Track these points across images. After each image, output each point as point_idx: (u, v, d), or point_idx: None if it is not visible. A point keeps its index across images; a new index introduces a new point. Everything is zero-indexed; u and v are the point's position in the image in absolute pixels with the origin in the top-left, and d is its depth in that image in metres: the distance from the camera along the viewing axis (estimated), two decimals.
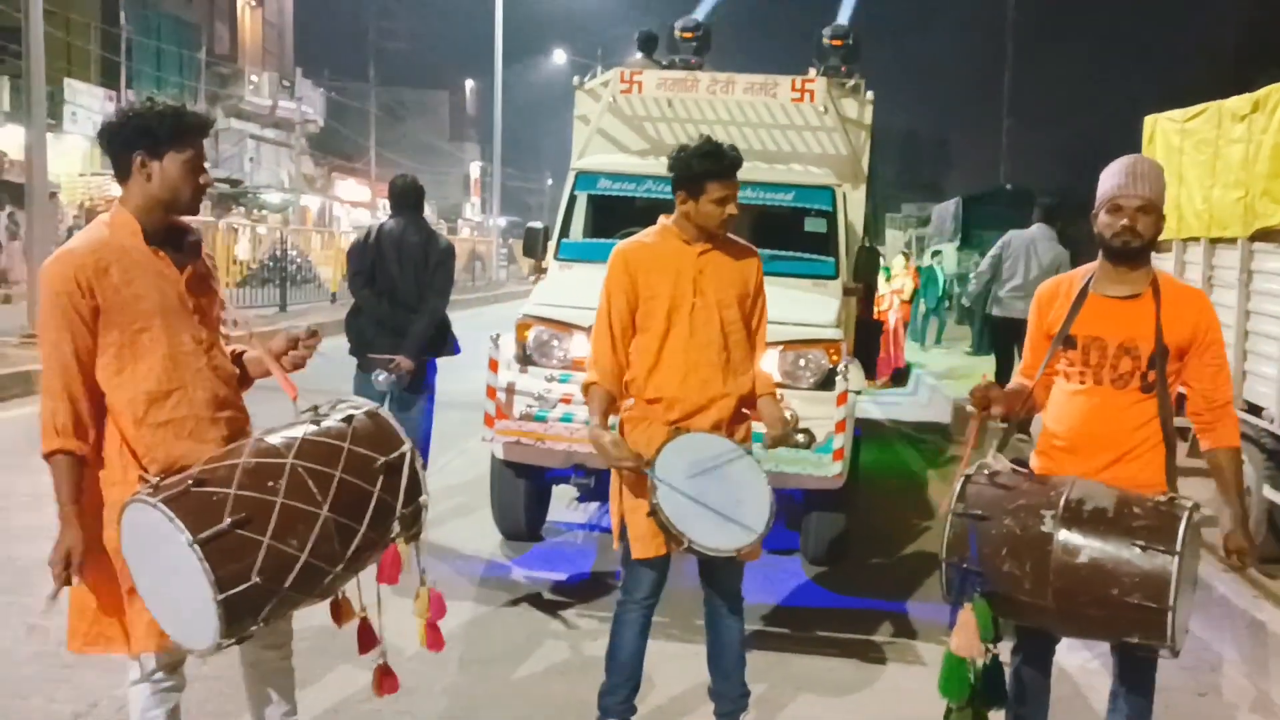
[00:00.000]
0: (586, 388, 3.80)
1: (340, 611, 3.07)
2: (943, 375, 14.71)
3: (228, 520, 2.60)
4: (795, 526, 6.20)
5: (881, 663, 4.89)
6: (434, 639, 3.16)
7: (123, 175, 2.92)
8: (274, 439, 2.82)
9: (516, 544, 6.32)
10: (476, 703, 4.26)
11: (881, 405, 12.84)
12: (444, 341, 6.37)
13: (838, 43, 7.97)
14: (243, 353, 3.21)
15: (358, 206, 47.43)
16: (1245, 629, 5.03)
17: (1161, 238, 3.48)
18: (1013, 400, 3.48)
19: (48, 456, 2.84)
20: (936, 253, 23.17)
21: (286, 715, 3.29)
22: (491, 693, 4.36)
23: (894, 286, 15.59)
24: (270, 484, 2.69)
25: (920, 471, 9.35)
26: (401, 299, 6.23)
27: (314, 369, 3.24)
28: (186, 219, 3.08)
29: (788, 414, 5.32)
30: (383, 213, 51.34)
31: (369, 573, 2.96)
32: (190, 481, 2.69)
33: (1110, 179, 3.30)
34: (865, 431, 8.64)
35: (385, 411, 3.03)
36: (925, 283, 19.17)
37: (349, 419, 2.91)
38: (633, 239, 3.91)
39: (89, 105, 29.78)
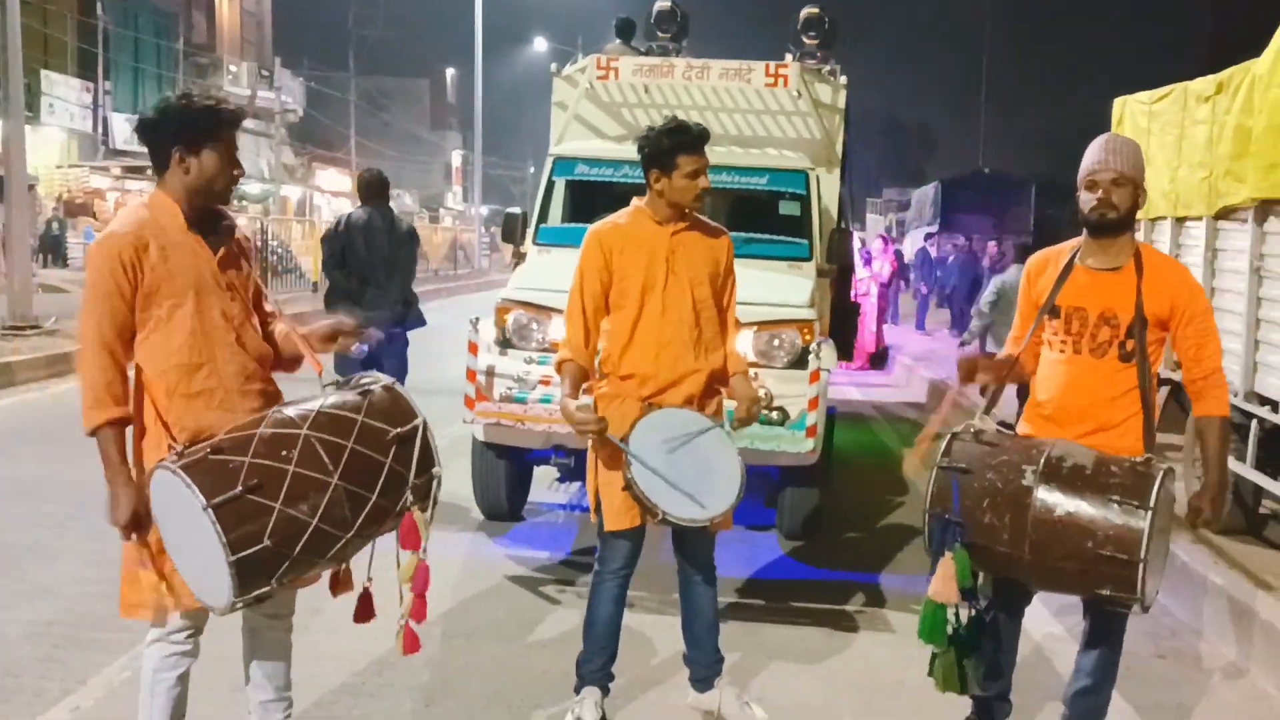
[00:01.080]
0: (559, 365, 3.91)
1: (338, 582, 3.19)
2: (920, 357, 14.86)
3: (240, 486, 2.74)
4: (771, 503, 6.32)
5: (853, 631, 5.02)
6: (418, 609, 3.26)
7: (160, 167, 3.08)
8: (291, 411, 2.96)
9: (498, 524, 6.42)
10: (457, 674, 4.37)
11: (860, 387, 12.99)
12: (410, 314, 7.18)
13: (813, 21, 8.05)
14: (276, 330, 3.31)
15: (338, 196, 47.23)
16: (1205, 595, 5.18)
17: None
18: (1000, 369, 3.63)
19: (93, 432, 2.96)
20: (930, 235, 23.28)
21: (280, 689, 3.40)
22: (472, 665, 4.47)
23: (873, 271, 15.71)
24: (284, 453, 2.82)
25: (896, 450, 9.49)
26: (370, 278, 7.00)
27: None
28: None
29: (762, 392, 5.45)
30: None
31: (374, 546, 3.07)
32: (209, 449, 2.85)
33: (1087, 157, 3.45)
34: (842, 412, 8.78)
35: (402, 387, 3.15)
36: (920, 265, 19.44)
37: (366, 393, 3.04)
38: (606, 220, 4.01)
39: (66, 97, 29.61)
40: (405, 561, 3.14)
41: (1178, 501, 3.42)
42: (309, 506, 2.80)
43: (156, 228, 3.04)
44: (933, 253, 23.32)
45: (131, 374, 3.09)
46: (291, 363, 3.29)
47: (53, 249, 27.31)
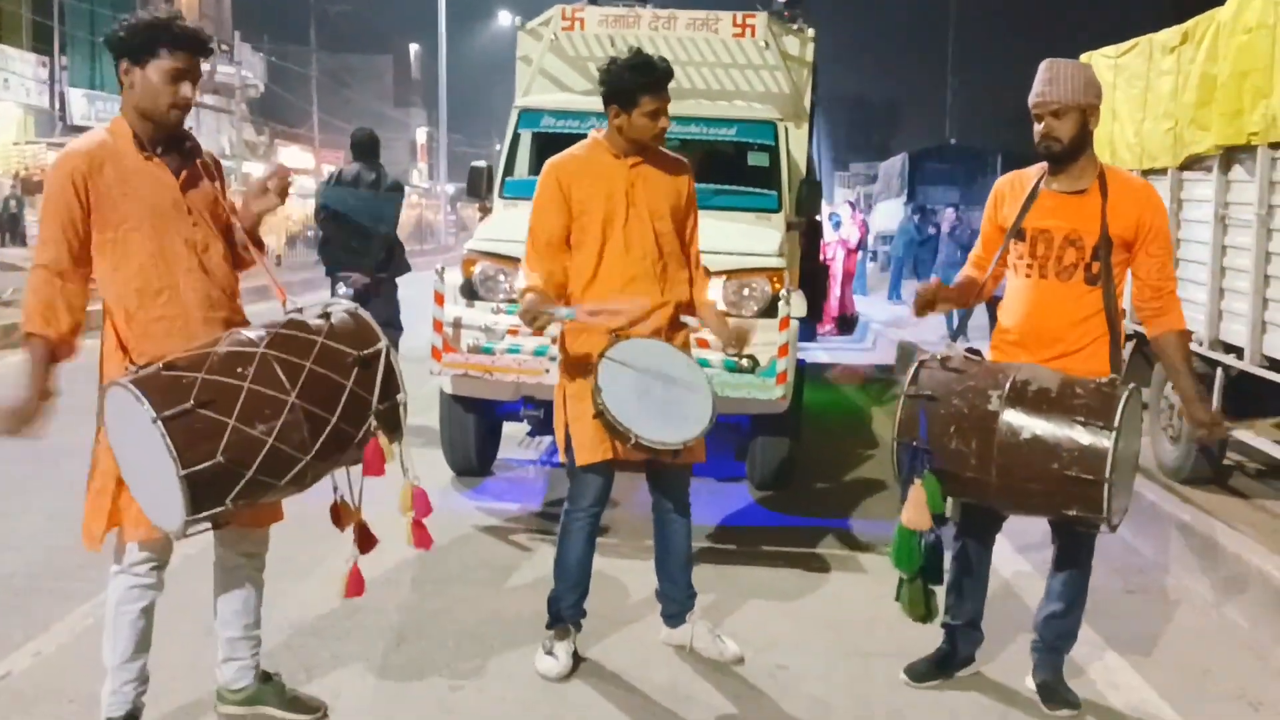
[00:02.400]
0: (524, 292, 3.82)
1: (340, 515, 3.15)
2: (890, 323, 14.92)
3: (191, 401, 2.69)
4: (741, 456, 6.32)
5: (825, 571, 5.03)
6: (420, 536, 3.24)
7: (121, 85, 3.02)
8: (250, 333, 2.92)
9: (468, 479, 6.37)
10: (428, 617, 4.33)
11: (829, 350, 13.02)
12: (395, 261, 7.85)
13: None
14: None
15: (301, 174, 46.73)
16: (1173, 533, 5.23)
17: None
18: (963, 292, 3.62)
19: (25, 338, 2.96)
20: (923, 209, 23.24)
21: (249, 627, 3.37)
22: (443, 608, 4.43)
23: (841, 235, 15.74)
24: (239, 370, 2.78)
25: (865, 408, 9.53)
26: (357, 227, 7.64)
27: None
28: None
29: (738, 331, 5.43)
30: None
31: (357, 477, 3.03)
32: (161, 366, 2.79)
33: (1033, 89, 3.43)
34: (811, 374, 8.79)
35: (365, 312, 3.09)
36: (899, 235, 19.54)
37: (327, 316, 2.99)
38: (564, 153, 3.95)
39: (22, 72, 29.02)
40: (402, 488, 3.11)
41: (1143, 455, 3.44)
42: (265, 426, 2.75)
43: (113, 151, 2.99)
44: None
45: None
46: (242, 262, 3.24)
47: (10, 227, 26.85)
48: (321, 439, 2.83)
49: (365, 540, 3.19)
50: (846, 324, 14.32)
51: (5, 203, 27.17)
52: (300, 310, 3.03)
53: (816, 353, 12.27)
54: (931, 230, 17.42)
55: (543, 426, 6.37)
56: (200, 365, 2.77)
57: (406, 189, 9.62)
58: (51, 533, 5.16)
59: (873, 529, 5.58)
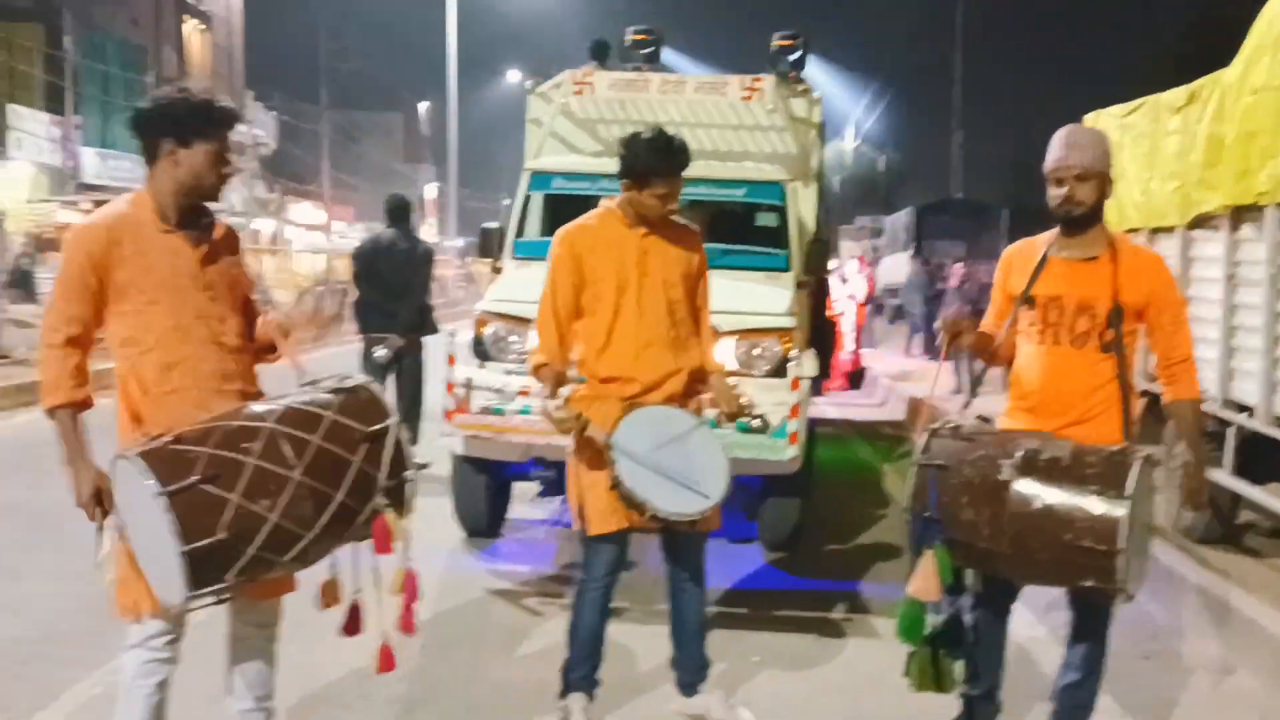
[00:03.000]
0: (536, 369, 3.86)
1: (327, 594, 3.11)
2: (898, 377, 14.89)
3: (196, 475, 2.68)
4: (753, 516, 6.28)
5: (839, 636, 4.98)
6: (407, 621, 3.19)
7: (150, 159, 3.04)
8: (260, 407, 2.91)
9: (478, 540, 6.34)
10: (437, 685, 4.28)
11: (838, 406, 12.98)
12: (425, 324, 8.24)
13: (788, 42, 8.10)
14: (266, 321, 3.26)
15: (312, 230, 47.09)
16: (1188, 596, 5.17)
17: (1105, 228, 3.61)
18: (982, 340, 3.60)
19: (50, 412, 2.94)
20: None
21: (261, 699, 3.32)
22: (453, 675, 4.39)
23: (849, 290, 15.75)
24: (245, 445, 2.76)
25: (875, 465, 9.48)
26: (391, 291, 8.04)
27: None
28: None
29: (743, 400, 5.42)
30: (336, 236, 50.78)
31: (361, 557, 3.00)
32: (170, 439, 2.79)
33: (1050, 152, 3.45)
34: (822, 430, 8.77)
35: (377, 386, 3.09)
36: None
37: (338, 391, 2.98)
38: (575, 222, 3.99)
39: (35, 131, 29.37)
40: (395, 571, 3.07)
41: (1158, 495, 3.42)
42: (269, 501, 2.73)
43: (134, 223, 3.01)
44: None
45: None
46: (265, 351, 3.23)
47: (22, 284, 27.00)
48: (326, 516, 2.80)
49: (351, 625, 3.14)
50: (856, 379, 14.28)
51: (18, 260, 27.33)
52: (314, 382, 3.03)
53: (826, 409, 12.25)
54: (940, 285, 17.30)
55: (553, 487, 6.36)
56: (206, 439, 2.77)
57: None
58: (55, 596, 5.14)
59: (885, 592, 5.51)
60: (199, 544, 2.64)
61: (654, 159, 3.76)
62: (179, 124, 3.00)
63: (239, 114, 3.16)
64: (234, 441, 2.77)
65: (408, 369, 8.13)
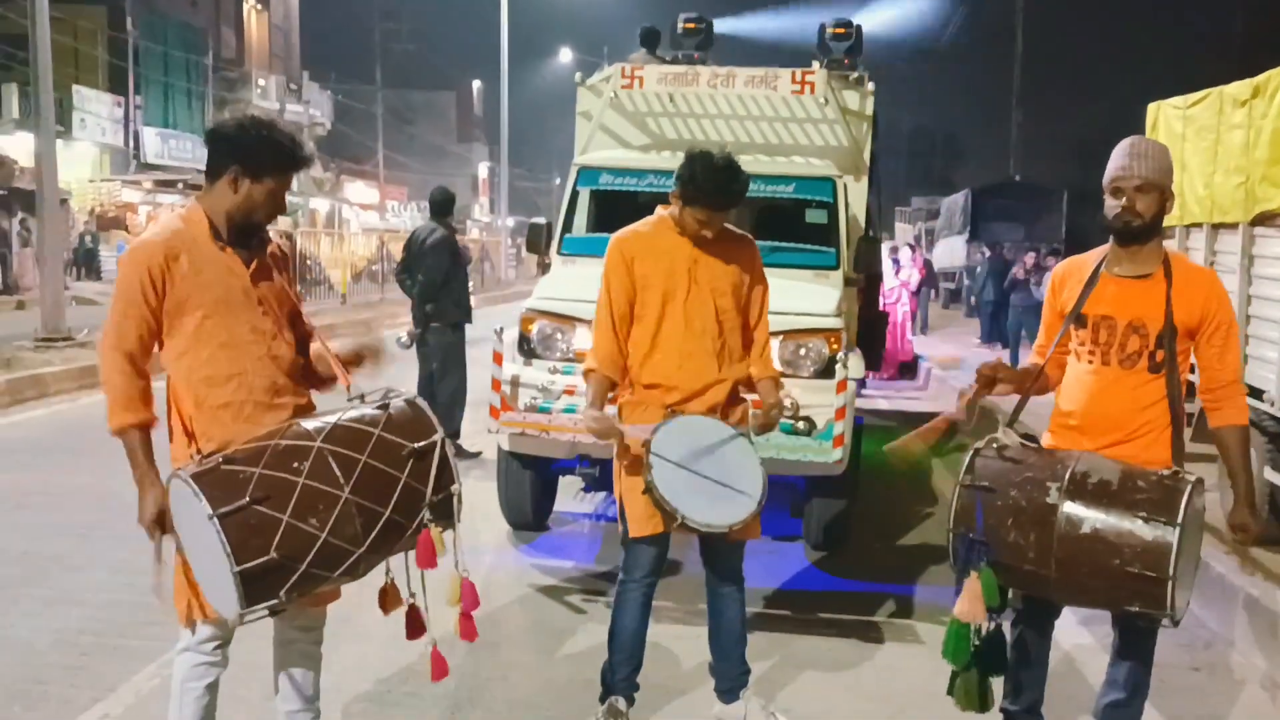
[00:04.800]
0: (586, 374, 3.89)
1: (387, 600, 3.17)
2: (949, 366, 14.74)
3: (248, 497, 2.73)
4: (797, 514, 6.27)
5: (880, 642, 4.96)
6: (467, 629, 3.24)
7: (212, 176, 3.09)
8: (309, 424, 2.96)
9: (524, 534, 6.40)
10: (483, 684, 4.34)
11: (889, 398, 12.89)
12: (444, 312, 8.52)
13: (841, 30, 8.02)
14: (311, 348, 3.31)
15: (367, 209, 47.54)
16: (1240, 606, 5.08)
17: (1165, 224, 3.53)
18: (1024, 378, 3.55)
19: (118, 433, 2.99)
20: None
21: (308, 700, 3.39)
22: (498, 675, 4.44)
23: (902, 279, 15.61)
24: (295, 465, 2.81)
25: (924, 460, 9.39)
26: (408, 282, 8.73)
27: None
28: None
29: (788, 401, 5.40)
30: (391, 214, 51.14)
31: (413, 562, 3.03)
32: (221, 459, 2.84)
33: (1112, 161, 3.36)
34: (870, 422, 8.70)
35: (422, 401, 3.13)
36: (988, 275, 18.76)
37: (385, 407, 3.02)
38: (629, 228, 3.99)
39: (97, 111, 29.97)
40: (451, 580, 3.11)
41: (1211, 514, 3.34)
42: (318, 520, 2.78)
43: (189, 240, 3.06)
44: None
45: (163, 384, 3.10)
46: (325, 382, 3.28)
47: (86, 262, 27.63)
48: (374, 532, 2.85)
49: (413, 628, 3.19)
50: (908, 369, 14.17)
51: (81, 238, 27.95)
52: (362, 397, 3.07)
53: (876, 401, 12.17)
54: (1018, 272, 16.69)
55: (598, 483, 6.40)
56: (258, 460, 2.82)
57: (459, 233, 10.34)
58: (116, 587, 5.27)
59: (931, 596, 5.49)
60: (251, 564, 2.70)
61: (706, 188, 3.71)
62: (254, 156, 3.04)
63: (312, 159, 3.18)
64: (284, 461, 2.82)
65: (424, 356, 8.66)
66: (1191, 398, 3.64)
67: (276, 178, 3.07)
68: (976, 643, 3.32)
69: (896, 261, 16.10)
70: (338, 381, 3.24)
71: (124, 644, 4.62)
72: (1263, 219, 6.52)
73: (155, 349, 3.08)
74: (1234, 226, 6.93)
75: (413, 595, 3.14)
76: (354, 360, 3.30)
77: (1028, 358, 3.69)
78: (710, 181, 3.70)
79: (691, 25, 8.12)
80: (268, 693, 3.48)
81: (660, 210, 3.97)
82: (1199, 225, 7.58)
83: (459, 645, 4.58)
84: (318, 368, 3.28)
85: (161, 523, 2.97)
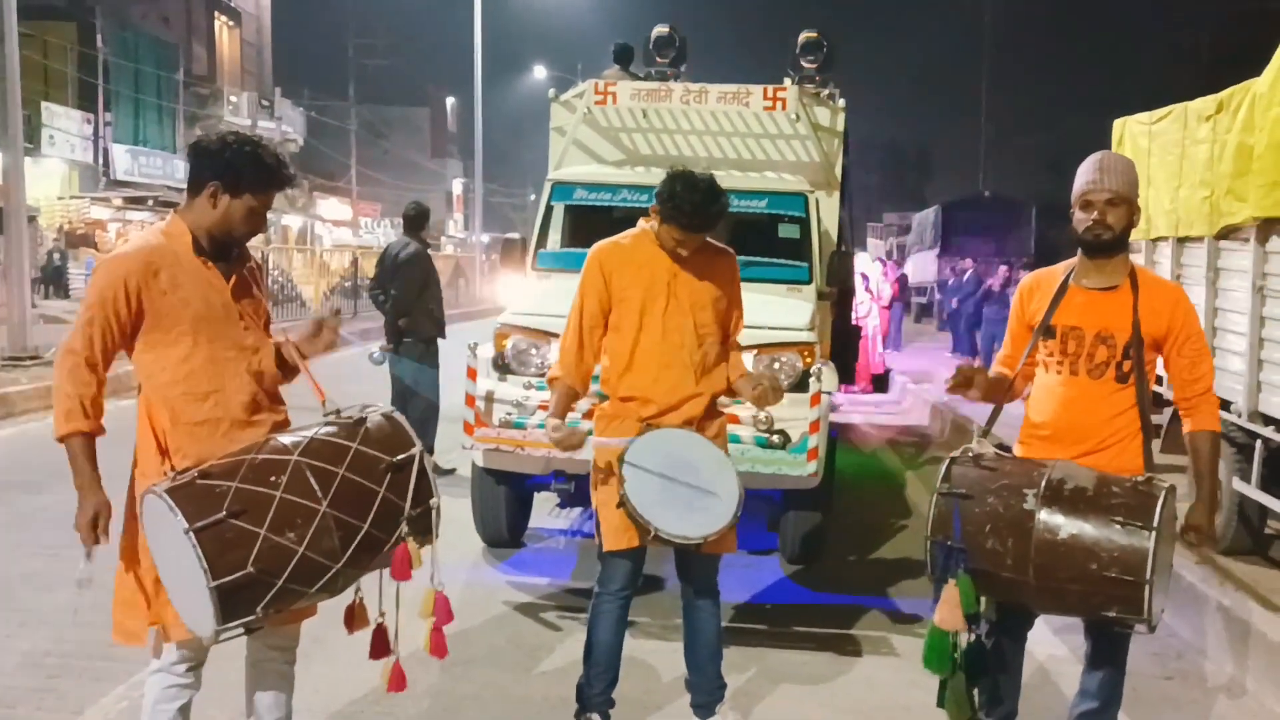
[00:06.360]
0: (550, 381, 3.89)
1: (353, 619, 3.15)
2: (921, 379, 14.82)
3: (224, 511, 2.71)
4: (773, 527, 6.27)
5: (857, 655, 4.96)
6: (438, 643, 3.22)
7: (193, 191, 3.07)
8: (286, 439, 2.94)
9: (499, 550, 6.37)
10: (457, 703, 4.31)
11: (861, 411, 12.95)
12: (418, 326, 8.44)
13: (812, 36, 8.03)
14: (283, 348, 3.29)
15: (340, 225, 47.34)
16: (1211, 615, 5.12)
17: (1131, 238, 3.58)
18: (994, 387, 3.58)
19: (62, 439, 2.96)
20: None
21: None
22: (472, 693, 4.41)
23: (873, 293, 15.68)
24: (272, 479, 2.79)
25: (898, 473, 9.44)
26: (379, 298, 8.71)
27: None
28: None
29: (762, 415, 5.43)
30: (364, 230, 50.82)
31: (386, 580, 3.02)
32: (197, 474, 2.82)
33: (1080, 176, 3.42)
34: (844, 435, 8.75)
35: (400, 415, 3.11)
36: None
37: (362, 421, 3.01)
38: (609, 240, 4.00)
39: (66, 128, 29.67)
40: (425, 594, 3.10)
41: (1179, 520, 3.38)
42: (296, 534, 2.76)
43: (170, 255, 3.03)
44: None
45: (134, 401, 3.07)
46: (292, 372, 3.25)
47: (54, 280, 27.32)
48: (352, 546, 2.84)
49: (378, 647, 3.17)
50: (880, 382, 14.23)
51: (49, 256, 27.66)
52: (338, 412, 3.05)
53: (850, 415, 12.22)
54: (994, 284, 16.82)
55: (573, 499, 6.38)
56: (234, 474, 2.80)
57: (443, 238, 10.34)
58: (84, 608, 5.18)
59: (907, 608, 5.51)
60: (228, 578, 2.68)
61: (684, 209, 3.71)
62: (236, 173, 3.02)
63: (294, 180, 3.17)
64: (261, 475, 2.80)
65: (398, 372, 8.68)
66: (1159, 409, 3.69)
67: (256, 195, 3.05)
68: (955, 656, 3.33)
69: (865, 277, 16.16)
70: (297, 375, 3.22)
71: (92, 666, 4.56)
72: (1227, 233, 6.61)
73: (114, 360, 3.03)
74: (1200, 240, 7.02)
75: (382, 615, 3.12)
76: (315, 331, 3.26)
77: (994, 367, 3.72)
78: (689, 203, 3.71)
79: (666, 30, 8.08)
80: (236, 714, 3.44)
81: (641, 223, 3.98)
82: (1165, 239, 7.68)
83: (432, 664, 4.58)
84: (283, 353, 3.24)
85: (94, 527, 2.94)
